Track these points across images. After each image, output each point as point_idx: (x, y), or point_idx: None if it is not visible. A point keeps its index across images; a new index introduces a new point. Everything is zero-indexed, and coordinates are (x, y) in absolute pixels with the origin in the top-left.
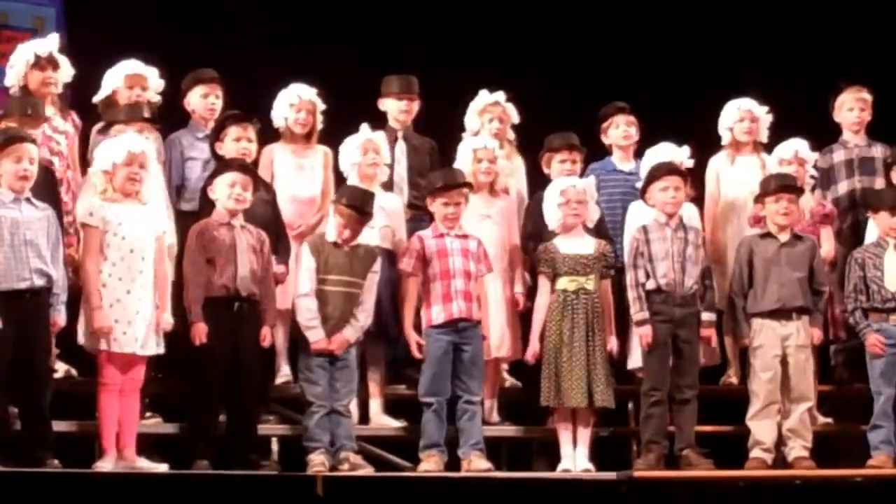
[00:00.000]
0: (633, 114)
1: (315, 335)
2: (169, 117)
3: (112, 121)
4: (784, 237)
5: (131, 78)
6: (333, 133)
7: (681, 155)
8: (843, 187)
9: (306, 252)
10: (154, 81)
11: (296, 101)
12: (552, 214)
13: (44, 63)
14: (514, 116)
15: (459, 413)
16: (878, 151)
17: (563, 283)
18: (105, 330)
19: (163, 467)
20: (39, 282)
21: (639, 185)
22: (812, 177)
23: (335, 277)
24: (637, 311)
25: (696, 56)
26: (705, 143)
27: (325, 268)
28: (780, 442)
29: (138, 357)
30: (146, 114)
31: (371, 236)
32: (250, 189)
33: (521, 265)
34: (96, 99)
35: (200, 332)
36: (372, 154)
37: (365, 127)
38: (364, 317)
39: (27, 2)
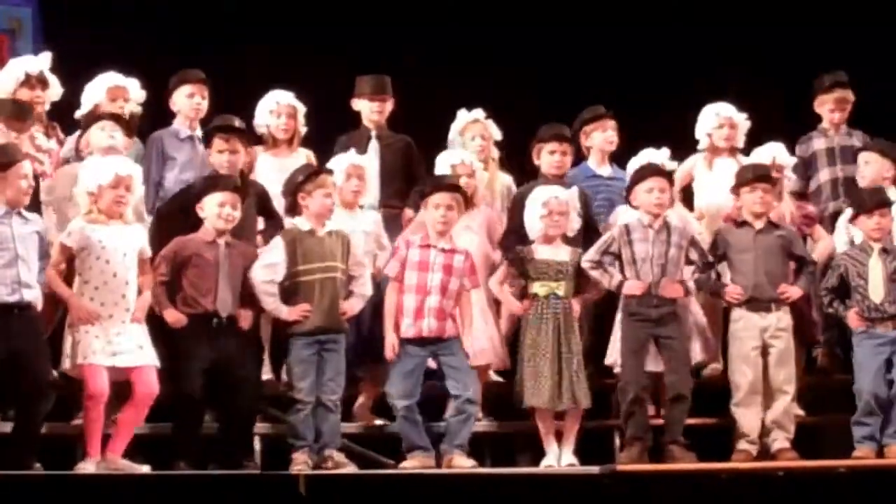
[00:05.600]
0: (615, 119)
1: (284, 311)
2: (147, 120)
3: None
4: (759, 225)
5: (113, 90)
6: (314, 136)
7: (661, 156)
8: (824, 175)
9: (279, 246)
10: (136, 92)
11: (275, 107)
12: (533, 224)
13: (34, 82)
14: (496, 133)
15: (454, 412)
16: (858, 139)
17: (535, 287)
18: (86, 314)
19: (145, 468)
20: (29, 296)
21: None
22: (790, 180)
23: (315, 265)
24: (610, 279)
25: (667, 58)
26: (680, 147)
27: (302, 258)
28: (763, 433)
29: (141, 371)
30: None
31: None
32: (239, 208)
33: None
34: (79, 114)
35: (174, 315)
36: (355, 180)
37: (352, 152)
38: (363, 287)
39: (3, 3)
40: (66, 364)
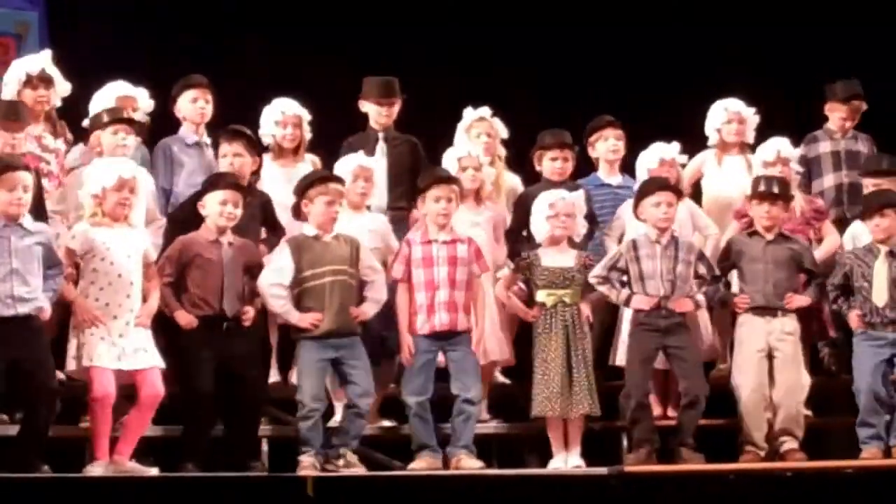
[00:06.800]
0: (621, 128)
1: (295, 316)
2: (153, 121)
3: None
4: (770, 236)
5: (122, 100)
6: (321, 139)
7: (671, 151)
8: (829, 181)
9: (285, 251)
10: (144, 102)
11: (280, 118)
12: (539, 226)
13: (35, 82)
14: (502, 131)
15: (456, 412)
16: (864, 144)
17: (542, 296)
18: (91, 317)
19: (153, 471)
20: (23, 310)
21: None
22: (798, 173)
23: (323, 269)
24: (618, 294)
25: (668, 59)
26: (690, 144)
27: (309, 263)
28: (771, 434)
29: (146, 373)
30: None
31: None
32: (241, 205)
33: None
34: (86, 122)
35: (185, 317)
36: (361, 182)
37: (360, 154)
38: (377, 291)
39: (9, 7)
40: (72, 366)
